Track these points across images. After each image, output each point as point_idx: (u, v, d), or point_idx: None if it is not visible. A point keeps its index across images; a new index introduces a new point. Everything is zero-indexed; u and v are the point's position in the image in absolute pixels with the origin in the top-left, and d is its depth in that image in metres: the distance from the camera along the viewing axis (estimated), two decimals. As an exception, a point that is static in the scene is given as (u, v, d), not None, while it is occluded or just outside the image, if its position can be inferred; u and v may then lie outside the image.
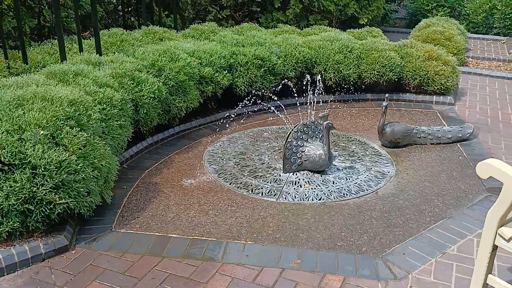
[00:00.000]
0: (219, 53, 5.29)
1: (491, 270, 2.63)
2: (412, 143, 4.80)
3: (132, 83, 4.23)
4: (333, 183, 4.05)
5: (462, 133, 4.86)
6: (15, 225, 2.87)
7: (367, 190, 3.93)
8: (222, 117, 5.33)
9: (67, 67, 3.91)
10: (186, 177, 4.09)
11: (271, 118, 5.39)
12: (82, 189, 3.08)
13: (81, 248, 3.08)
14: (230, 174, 4.17)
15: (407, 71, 5.93)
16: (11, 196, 2.81)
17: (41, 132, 2.98)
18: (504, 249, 2.51)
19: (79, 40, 4.94)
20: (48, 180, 2.91)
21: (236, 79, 5.38)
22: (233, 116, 5.32)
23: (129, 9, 8.56)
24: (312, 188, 3.95)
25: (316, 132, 4.29)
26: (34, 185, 2.89)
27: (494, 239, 2.53)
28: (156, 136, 4.74)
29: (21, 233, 2.97)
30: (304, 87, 5.13)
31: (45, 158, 2.92)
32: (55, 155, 2.95)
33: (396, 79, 5.90)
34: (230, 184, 3.99)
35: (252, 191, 3.88)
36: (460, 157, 4.53)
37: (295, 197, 3.81)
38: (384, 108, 4.61)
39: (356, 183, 4.05)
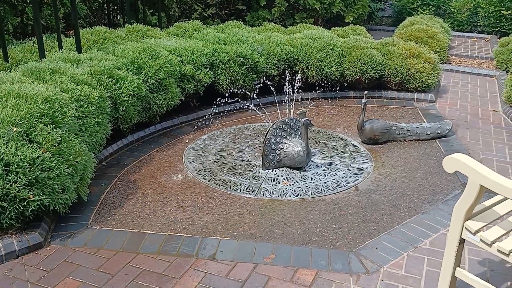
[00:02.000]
0: (200, 51, 5.30)
1: (459, 263, 2.67)
2: (392, 140, 4.84)
3: (111, 81, 4.24)
4: (312, 179, 4.08)
5: (441, 130, 4.91)
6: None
7: (344, 186, 3.97)
8: (204, 114, 5.35)
9: (44, 65, 3.90)
10: (165, 174, 4.10)
11: (253, 116, 5.41)
12: (57, 186, 3.08)
13: (56, 245, 3.08)
14: (210, 171, 4.19)
15: (389, 69, 5.97)
16: (-16, 193, 2.81)
17: (15, 129, 2.98)
18: (471, 242, 2.55)
19: (59, 38, 4.93)
20: (22, 177, 2.92)
21: (218, 77, 5.40)
22: (215, 113, 5.35)
23: (115, 7, 8.54)
24: (290, 185, 3.97)
25: (295, 129, 4.31)
26: (7, 182, 2.89)
27: (461, 232, 2.57)
28: (137, 133, 4.74)
29: (-6, 231, 2.97)
30: (286, 85, 5.16)
31: (18, 155, 2.92)
32: (29, 152, 2.95)
33: (377, 77, 5.95)
34: (209, 181, 4.01)
35: (230, 188, 3.90)
36: (438, 153, 4.58)
37: (272, 193, 3.84)
38: (363, 105, 4.65)
39: (334, 179, 4.09)
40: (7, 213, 2.92)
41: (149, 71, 4.64)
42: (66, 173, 3.17)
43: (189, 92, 5.16)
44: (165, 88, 4.79)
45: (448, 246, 2.64)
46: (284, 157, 4.19)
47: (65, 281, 2.75)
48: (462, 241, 2.61)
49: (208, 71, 5.26)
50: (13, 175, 2.91)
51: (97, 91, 3.97)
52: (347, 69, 5.90)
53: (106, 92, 4.12)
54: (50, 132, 3.14)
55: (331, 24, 9.33)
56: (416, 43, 7.04)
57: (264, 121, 5.15)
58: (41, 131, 3.11)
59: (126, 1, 7.09)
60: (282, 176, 4.11)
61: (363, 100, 4.64)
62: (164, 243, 3.13)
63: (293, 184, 3.98)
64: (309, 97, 6.00)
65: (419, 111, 5.72)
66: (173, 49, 5.18)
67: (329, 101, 6.00)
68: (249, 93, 5.44)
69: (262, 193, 3.83)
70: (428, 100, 5.98)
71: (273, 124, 4.18)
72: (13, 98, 3.15)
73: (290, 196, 3.80)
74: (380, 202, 3.71)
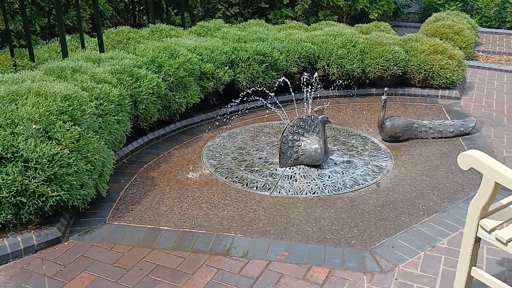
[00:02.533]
0: (220, 49, 5.32)
1: (475, 263, 2.60)
2: (413, 138, 4.76)
3: (131, 79, 4.30)
4: (329, 177, 4.05)
5: (464, 127, 4.80)
6: (8, 217, 2.95)
7: (362, 184, 3.92)
8: (224, 112, 5.38)
9: (65, 64, 3.99)
10: (183, 171, 4.14)
11: (273, 114, 5.40)
12: (75, 182, 3.15)
13: (74, 240, 3.15)
14: (227, 168, 4.20)
15: (412, 65, 5.87)
16: (3, 189, 2.89)
17: (34, 126, 3.06)
18: (487, 241, 2.48)
19: (81, 38, 5.04)
20: (40, 173, 2.99)
21: (238, 75, 5.41)
22: (234, 111, 5.37)
23: (140, 8, 8.67)
24: (307, 182, 3.95)
25: (313, 127, 4.29)
26: (26, 178, 2.97)
27: (477, 231, 2.51)
28: (158, 131, 4.80)
29: (15, 225, 3.06)
30: (307, 83, 5.14)
31: (37, 152, 3.00)
32: (47, 149, 3.03)
33: (400, 74, 5.85)
34: (225, 178, 4.03)
35: (247, 185, 3.91)
36: (460, 151, 4.47)
37: (289, 191, 3.83)
38: (383, 102, 4.58)
39: (352, 177, 4.04)
40: (26, 208, 3.00)
41: (168, 69, 4.69)
42: (85, 170, 3.23)
43: (208, 90, 5.19)
44: (184, 86, 4.83)
45: (464, 245, 2.58)
46: (302, 154, 4.16)
47: (81, 275, 2.81)
48: (477, 240, 2.55)
49: (227, 69, 5.28)
50: (32, 171, 2.98)
51: (117, 89, 4.04)
52: (369, 66, 5.82)
53: (126, 91, 4.19)
54: (69, 129, 3.21)
55: (355, 21, 9.21)
56: (441, 39, 6.90)
57: (283, 119, 5.13)
58: (60, 128, 3.18)
59: (150, 2, 7.18)
60: (299, 173, 4.09)
61: (383, 97, 4.57)
62: (179, 239, 3.16)
63: (310, 182, 3.96)
64: (330, 95, 5.95)
65: (443, 108, 5.60)
66: (193, 48, 5.22)
67: (351, 99, 5.93)
68: (268, 91, 5.43)
69: (278, 191, 3.83)
70: (453, 97, 5.85)
71: (291, 121, 4.17)
72: (33, 96, 3.24)
73: (306, 194, 3.78)
74: (398, 201, 3.65)
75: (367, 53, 5.87)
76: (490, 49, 8.08)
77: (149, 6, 7.46)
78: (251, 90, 5.31)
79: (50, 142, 3.12)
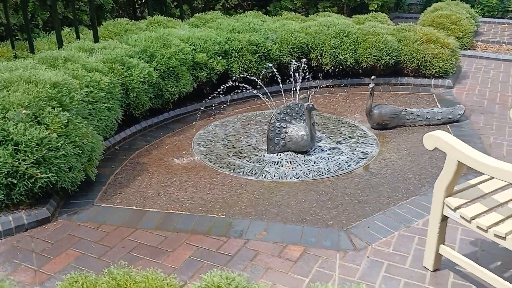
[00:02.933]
0: (213, 40, 5.43)
1: (443, 241, 2.69)
2: (401, 125, 4.83)
3: (122, 68, 4.43)
4: (314, 162, 4.14)
5: (452, 115, 4.86)
6: (0, 197, 3.10)
7: (346, 169, 4.01)
8: (218, 102, 5.48)
9: (57, 53, 4.13)
10: (173, 157, 4.27)
11: (266, 103, 5.49)
12: (63, 165, 3.29)
13: (62, 220, 3.29)
14: (216, 155, 4.32)
15: (405, 55, 5.92)
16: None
17: (24, 111, 3.20)
18: (452, 219, 2.57)
19: (76, 29, 5.18)
20: (30, 155, 3.13)
21: (232, 65, 5.51)
22: (229, 100, 5.48)
23: (142, 1, 8.79)
24: (292, 168, 4.05)
25: (300, 114, 4.38)
26: (16, 160, 3.11)
27: (442, 209, 2.60)
28: (151, 120, 4.93)
29: (7, 205, 3.21)
30: (293, 73, 5.20)
31: (26, 136, 3.14)
32: (36, 133, 3.17)
33: (393, 63, 5.91)
34: (214, 164, 4.14)
35: (233, 170, 4.02)
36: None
37: (274, 175, 3.93)
38: (370, 90, 4.66)
39: (337, 163, 4.13)
40: (17, 189, 3.15)
41: (160, 59, 4.81)
42: (73, 153, 3.37)
43: (202, 80, 5.30)
44: (177, 75, 4.95)
45: (431, 222, 2.67)
46: (289, 141, 4.26)
47: (67, 252, 2.95)
48: (444, 218, 2.63)
49: (220, 59, 5.39)
50: (21, 154, 3.13)
51: (108, 77, 4.17)
52: (362, 55, 5.89)
53: (117, 79, 4.32)
54: (57, 115, 3.34)
55: (355, 12, 9.24)
56: (438, 29, 6.94)
57: (272, 108, 5.22)
58: (49, 114, 3.32)
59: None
60: (286, 159, 4.19)
61: (371, 85, 4.64)
62: (162, 220, 3.28)
63: (295, 167, 4.06)
64: (324, 85, 6.03)
65: (434, 97, 5.65)
66: (186, 38, 5.33)
67: (344, 88, 6.01)
68: (260, 81, 5.52)
69: (264, 175, 3.93)
70: (446, 86, 5.90)
71: (278, 109, 4.27)
72: (24, 83, 3.38)
73: (290, 179, 3.88)
74: (379, 184, 3.74)
75: (360, 43, 5.93)
76: (490, 39, 8.08)
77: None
78: (244, 79, 5.41)
79: (39, 126, 3.26)
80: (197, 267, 2.81)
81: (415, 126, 4.82)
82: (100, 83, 4.04)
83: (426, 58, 5.86)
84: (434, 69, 5.88)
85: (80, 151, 3.45)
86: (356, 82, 6.08)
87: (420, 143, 4.43)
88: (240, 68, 5.51)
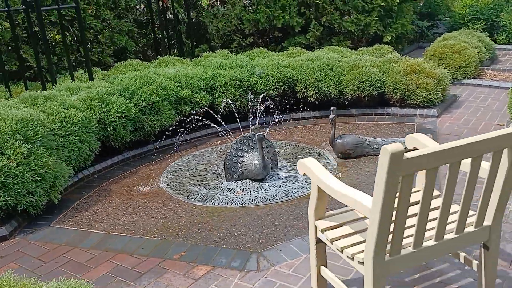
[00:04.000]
0: (199, 76, 5.86)
1: (323, 262, 2.81)
2: (366, 154, 4.92)
3: (100, 105, 4.94)
4: (265, 190, 4.35)
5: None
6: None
7: (291, 196, 4.18)
8: (205, 134, 5.86)
9: (39, 93, 4.73)
10: (141, 185, 4.66)
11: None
12: (22, 190, 3.78)
13: (19, 238, 3.76)
14: (179, 182, 4.66)
15: (388, 86, 6.00)
16: (-42, 194, 3.58)
17: (-13, 143, 3.75)
18: (323, 240, 2.71)
19: (71, 71, 5.82)
20: (-11, 181, 3.65)
21: (217, 99, 5.90)
22: (214, 133, 5.83)
23: (161, 42, 9.52)
24: (243, 194, 4.29)
25: (255, 143, 4.63)
26: (-22, 185, 3.64)
27: (316, 232, 2.74)
28: (134, 151, 5.39)
29: (-28, 224, 3.73)
30: (284, 106, 5.48)
31: (-13, 164, 3.67)
32: (-4, 162, 3.69)
33: (376, 94, 6.00)
34: (173, 191, 4.48)
35: (187, 197, 4.33)
36: (405, 167, 4.57)
37: (221, 201, 4.19)
38: (330, 120, 4.82)
39: (286, 190, 4.32)
40: (-21, 211, 3.66)
41: (141, 95, 5.29)
42: (32, 180, 3.85)
43: (186, 114, 5.71)
44: (158, 110, 5.40)
45: (310, 245, 2.81)
46: (245, 169, 4.52)
47: (9, 265, 3.38)
48: (319, 241, 2.77)
49: (205, 94, 5.79)
50: (-18, 180, 3.65)
51: (83, 113, 4.69)
52: (346, 87, 6.04)
53: (94, 114, 4.83)
54: (19, 147, 3.86)
55: (370, 44, 9.38)
56: (437, 60, 6.95)
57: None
58: (12, 146, 3.84)
59: (161, 38, 7.94)
60: (240, 187, 4.44)
61: (331, 116, 4.81)
62: (100, 240, 3.64)
63: (245, 194, 4.29)
64: (309, 116, 6.23)
65: (415, 126, 5.66)
66: (173, 75, 5.80)
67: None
68: (248, 112, 5.84)
69: (212, 202, 4.20)
70: (431, 115, 5.88)
71: (235, 139, 4.56)
72: (16, 118, 3.95)
73: (235, 204, 4.12)
74: (314, 211, 3.87)
75: (345, 76, 6.10)
76: (502, 67, 7.87)
77: (174, 41, 8.22)
78: (229, 112, 5.76)
79: (1, 157, 3.78)
80: (107, 282, 3.13)
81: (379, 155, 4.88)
82: (74, 119, 4.56)
83: (409, 88, 5.90)
84: (418, 99, 5.90)
85: (41, 179, 3.93)
86: (342, 113, 6.22)
87: (375, 172, 4.51)
88: (222, 102, 5.87)
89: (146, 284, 3.06)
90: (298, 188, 4.33)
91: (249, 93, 5.98)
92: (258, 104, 5.90)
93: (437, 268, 3.04)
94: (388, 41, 9.07)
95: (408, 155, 2.09)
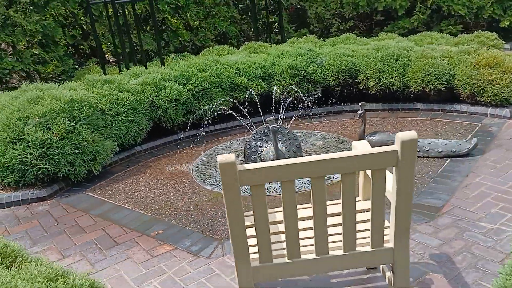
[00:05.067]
0: (258, 64, 6.03)
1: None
2: (397, 154, 4.60)
3: (154, 89, 5.47)
4: (275, 181, 4.41)
5: (458, 149, 4.39)
6: (16, 178, 4.48)
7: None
8: (258, 121, 6.06)
9: (99, 77, 5.43)
10: (174, 164, 5.09)
11: (307, 123, 5.82)
12: (61, 161, 4.50)
13: (54, 200, 4.50)
14: (206, 166, 4.98)
15: (457, 80, 5.41)
16: (13, 159, 4.43)
17: (37, 119, 4.52)
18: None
19: (160, 56, 6.44)
20: (35, 151, 4.43)
21: (273, 87, 6.01)
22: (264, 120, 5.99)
23: (263, 27, 9.78)
24: (252, 183, 4.43)
25: (280, 135, 4.69)
26: (27, 153, 4.44)
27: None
28: (188, 132, 5.84)
29: (23, 185, 4.57)
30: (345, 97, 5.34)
31: (34, 136, 4.45)
32: (41, 135, 4.45)
33: (444, 88, 5.46)
34: (196, 173, 4.82)
35: (204, 180, 4.63)
36: (429, 172, 4.19)
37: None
38: (359, 116, 4.61)
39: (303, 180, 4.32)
40: (27, 174, 4.48)
41: (195, 81, 5.69)
42: (72, 152, 4.55)
43: (240, 100, 5.96)
44: (210, 96, 5.75)
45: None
46: (262, 159, 4.63)
47: (32, 221, 4.12)
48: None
49: (260, 82, 5.95)
50: (30, 149, 4.44)
51: (134, 96, 5.27)
52: (410, 80, 5.62)
53: (146, 98, 5.38)
54: (63, 124, 4.57)
55: (491, 30, 8.35)
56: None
57: (311, 129, 5.54)
58: (57, 122, 4.57)
59: (253, 22, 8.22)
60: (254, 176, 4.58)
61: (359, 112, 4.60)
62: (108, 210, 4.18)
63: (254, 183, 4.42)
64: (368, 108, 5.95)
65: (477, 127, 5.04)
66: (233, 63, 6.07)
67: (394, 113, 5.82)
68: (307, 103, 5.87)
69: (221, 187, 4.43)
70: (502, 116, 5.16)
71: (256, 129, 4.69)
72: (50, 99, 4.72)
73: (243, 192, 4.29)
74: (301, 208, 3.85)
75: (410, 67, 5.67)
76: None
77: (275, 25, 8.49)
78: (284, 100, 5.85)
79: (48, 131, 4.54)
80: (88, 247, 3.62)
81: (412, 157, 4.53)
82: (124, 101, 5.16)
83: (479, 84, 5.24)
84: (489, 97, 5.22)
85: (80, 152, 4.61)
86: (406, 107, 5.81)
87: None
88: (280, 90, 5.96)
89: (114, 254, 3.48)
90: (306, 183, 4.30)
91: (306, 82, 5.96)
92: (312, 96, 5.86)
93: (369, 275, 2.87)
94: (506, 26, 7.98)
95: (241, 167, 2.09)
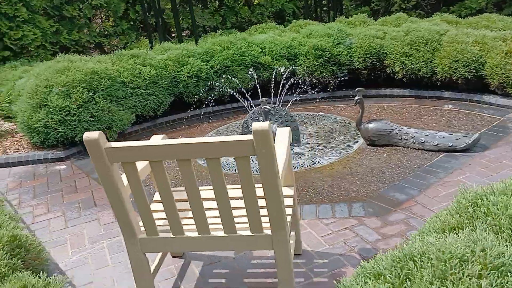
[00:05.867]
0: (284, 44, 6.02)
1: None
2: (393, 144, 4.41)
3: (176, 65, 5.74)
4: (262, 161, 4.49)
5: (455, 143, 4.09)
6: (41, 139, 5.06)
7: (272, 172, 4.23)
8: (283, 100, 6.09)
9: (126, 52, 5.81)
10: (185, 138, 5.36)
11: (325, 106, 5.77)
12: (78, 126, 4.98)
13: (69, 162, 5.02)
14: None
15: (487, 68, 4.95)
16: (38, 122, 5.01)
17: (60, 88, 5.03)
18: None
19: (178, 33, 6.71)
20: (55, 116, 4.96)
21: (297, 68, 5.99)
22: (295, 100, 6.02)
23: (321, 4, 9.57)
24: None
25: (276, 116, 4.73)
26: (48, 118, 4.99)
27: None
28: (211, 108, 6.07)
29: (48, 145, 5.15)
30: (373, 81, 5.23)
31: (55, 103, 4.97)
32: (61, 102, 4.96)
33: (470, 77, 5.04)
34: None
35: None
36: (415, 166, 3.98)
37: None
38: (355, 102, 4.47)
39: (277, 165, 4.36)
40: (49, 136, 5.04)
41: (217, 58, 5.86)
42: (88, 120, 5.02)
43: (263, 79, 6.02)
44: (232, 73, 5.89)
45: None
46: (258, 139, 4.71)
47: (42, 179, 4.65)
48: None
49: (285, 61, 5.95)
50: (52, 115, 4.98)
51: (155, 71, 5.59)
52: (437, 66, 5.27)
53: (168, 73, 5.68)
54: (82, 93, 5.04)
55: None
56: None
57: (327, 111, 5.50)
58: (77, 91, 5.05)
59: (305, 1, 8.13)
60: (248, 154, 4.69)
61: (356, 97, 4.46)
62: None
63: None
64: (395, 94, 5.68)
65: (496, 122, 4.62)
66: (259, 42, 6.12)
67: (419, 100, 5.52)
68: (327, 84, 5.79)
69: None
70: (531, 110, 4.66)
71: (253, 108, 4.77)
72: (75, 70, 5.20)
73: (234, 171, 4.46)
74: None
75: (439, 52, 5.30)
76: None
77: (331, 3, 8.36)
78: (309, 81, 5.82)
79: (69, 99, 5.03)
80: (70, 206, 4.04)
81: (408, 147, 4.32)
82: (145, 75, 5.51)
83: (508, 74, 4.76)
84: (518, 88, 4.73)
85: (96, 119, 5.06)
86: (433, 95, 5.46)
87: (385, 164, 4.11)
88: (304, 70, 5.92)
89: (87, 214, 3.86)
90: (302, 163, 4.30)
91: (330, 64, 5.85)
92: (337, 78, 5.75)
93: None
94: None
95: (108, 145, 2.25)
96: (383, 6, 8.80)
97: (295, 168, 4.24)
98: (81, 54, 8.00)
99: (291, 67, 5.97)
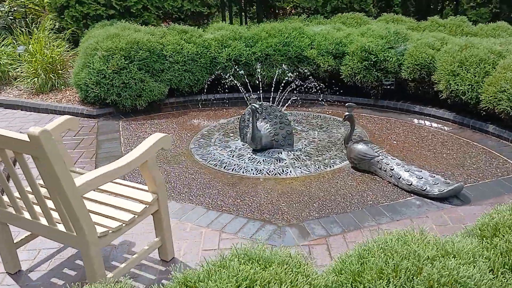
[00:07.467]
0: (334, 39, 5.63)
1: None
2: (373, 173, 3.94)
3: (219, 46, 5.81)
4: (243, 160, 4.41)
5: (430, 189, 3.50)
6: (83, 96, 5.69)
7: (252, 174, 4.10)
8: (312, 98, 5.81)
9: (179, 27, 6.03)
10: (204, 120, 5.48)
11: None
12: (110, 89, 5.46)
13: (99, 120, 5.54)
14: (222, 126, 5.21)
15: (535, 107, 4.02)
16: (81, 80, 5.61)
17: (102, 53, 5.53)
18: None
19: (230, 14, 6.67)
20: (92, 77, 5.50)
21: (342, 67, 5.57)
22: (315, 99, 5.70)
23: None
24: (228, 157, 4.55)
25: (271, 116, 4.55)
26: (87, 78, 5.55)
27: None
28: (247, 94, 6.03)
29: (88, 102, 5.76)
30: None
31: (94, 65, 5.49)
32: (100, 65, 5.46)
33: (514, 113, 4.16)
34: (207, 130, 5.14)
35: (201, 138, 4.94)
36: (369, 202, 3.52)
37: (202, 157, 4.63)
38: (343, 119, 4.07)
39: (257, 167, 4.20)
40: (88, 94, 5.62)
41: (260, 45, 5.75)
42: (120, 85, 5.46)
43: (304, 73, 5.74)
44: (271, 63, 5.74)
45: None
46: (247, 136, 4.63)
47: (68, 133, 5.26)
48: None
49: (329, 58, 5.59)
50: (90, 75, 5.53)
51: (197, 49, 5.75)
52: (484, 93, 4.44)
53: (210, 53, 5.80)
54: (119, 60, 5.47)
55: None
56: None
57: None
58: (116, 58, 5.50)
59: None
60: (239, 149, 4.66)
61: (346, 113, 4.05)
62: (116, 139, 4.98)
63: (226, 155, 4.53)
64: (439, 115, 4.95)
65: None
66: (312, 34, 5.82)
67: (460, 128, 4.76)
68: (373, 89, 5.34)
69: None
70: None
71: (250, 106, 4.66)
72: (120, 39, 5.64)
73: (209, 162, 4.51)
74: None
75: (490, 76, 4.44)
76: None
77: None
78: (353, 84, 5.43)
79: (106, 64, 5.51)
80: (82, 160, 4.53)
81: (384, 179, 3.82)
82: (184, 51, 5.71)
83: (553, 119, 3.80)
84: (559, 139, 3.75)
85: (127, 87, 5.48)
86: (478, 126, 4.65)
87: (344, 190, 3.75)
88: (347, 71, 5.49)
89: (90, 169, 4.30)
90: (271, 170, 4.14)
91: (375, 69, 5.32)
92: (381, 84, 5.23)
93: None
94: None
95: None
96: (505, 9, 7.45)
97: (259, 173, 4.09)
98: (180, 23, 8.51)
99: (338, 66, 5.58)
